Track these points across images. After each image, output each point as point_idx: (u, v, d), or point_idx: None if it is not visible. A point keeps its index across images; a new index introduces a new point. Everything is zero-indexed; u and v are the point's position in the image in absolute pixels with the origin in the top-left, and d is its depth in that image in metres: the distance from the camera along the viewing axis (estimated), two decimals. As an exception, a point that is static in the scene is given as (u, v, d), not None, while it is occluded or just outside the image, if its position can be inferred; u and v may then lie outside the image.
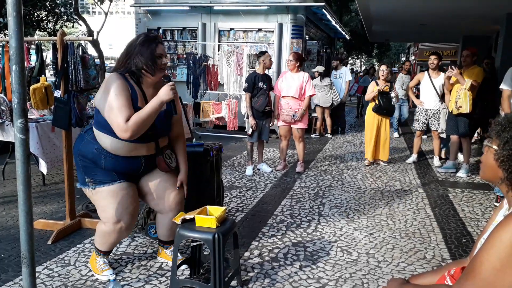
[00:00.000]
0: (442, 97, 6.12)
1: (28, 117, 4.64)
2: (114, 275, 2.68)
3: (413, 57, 28.83)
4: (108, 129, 2.42)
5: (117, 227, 2.53)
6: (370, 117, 6.10)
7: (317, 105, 8.68)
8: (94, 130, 2.51)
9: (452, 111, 5.63)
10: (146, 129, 2.39)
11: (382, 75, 6.00)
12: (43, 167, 4.31)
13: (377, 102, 5.97)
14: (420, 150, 6.94)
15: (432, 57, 6.07)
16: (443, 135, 6.10)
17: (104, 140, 2.46)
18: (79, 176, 2.62)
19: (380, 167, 6.14)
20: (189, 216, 2.48)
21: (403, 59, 39.59)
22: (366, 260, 3.07)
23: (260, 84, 5.27)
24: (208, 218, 2.42)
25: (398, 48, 45.55)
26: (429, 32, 12.99)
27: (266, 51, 5.48)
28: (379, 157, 6.24)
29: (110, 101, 2.33)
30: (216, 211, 2.53)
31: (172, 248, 2.86)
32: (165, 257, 2.95)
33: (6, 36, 6.36)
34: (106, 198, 2.49)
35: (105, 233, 2.60)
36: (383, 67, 6.08)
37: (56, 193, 4.46)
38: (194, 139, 3.53)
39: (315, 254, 3.15)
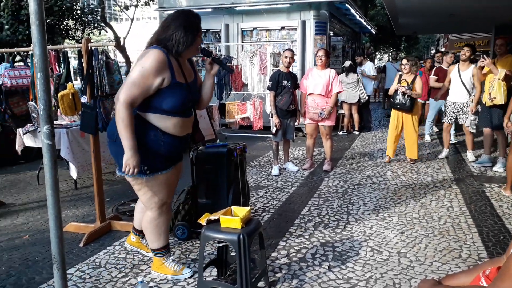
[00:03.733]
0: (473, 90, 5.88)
1: (59, 123, 4.79)
2: (193, 272, 2.77)
3: (443, 49, 27.98)
4: (159, 108, 2.44)
5: (163, 209, 2.68)
6: (392, 113, 5.96)
7: (343, 102, 8.53)
8: (144, 115, 2.48)
9: (485, 102, 5.41)
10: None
11: (405, 69, 5.80)
12: (73, 172, 4.44)
13: (392, 98, 5.83)
14: (453, 144, 6.72)
15: (465, 48, 5.86)
16: (473, 130, 5.84)
17: (160, 122, 2.46)
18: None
19: (411, 163, 5.95)
20: (214, 217, 2.47)
21: (433, 51, 38.37)
22: (397, 260, 2.98)
23: (284, 82, 5.20)
24: (233, 218, 2.40)
25: (427, 41, 44.26)
26: (458, 23, 12.53)
27: (287, 49, 5.39)
28: (407, 154, 6.04)
29: (134, 73, 2.35)
30: (240, 211, 2.51)
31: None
32: (142, 247, 3.07)
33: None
34: (161, 184, 2.59)
35: (154, 220, 2.67)
36: (404, 60, 5.87)
37: (87, 197, 4.57)
38: (218, 140, 3.52)
39: (344, 254, 3.08)
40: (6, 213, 4.06)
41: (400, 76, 5.89)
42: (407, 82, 5.70)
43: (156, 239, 2.74)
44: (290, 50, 5.29)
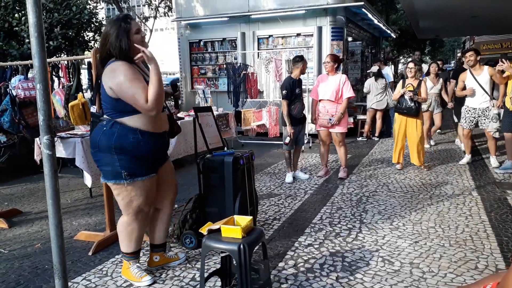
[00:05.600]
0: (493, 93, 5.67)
1: (75, 132, 4.86)
2: (153, 280, 2.78)
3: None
4: (132, 110, 2.53)
5: (138, 216, 2.71)
6: (397, 118, 5.79)
7: (371, 108, 8.38)
8: (119, 120, 2.57)
9: (509, 107, 5.21)
10: (163, 99, 2.55)
11: (410, 73, 5.64)
12: (88, 181, 4.49)
13: (397, 102, 5.65)
14: (474, 150, 6.48)
15: (468, 54, 5.71)
16: (496, 135, 5.61)
17: (136, 121, 2.56)
18: (107, 170, 2.62)
19: (431, 169, 5.76)
20: (215, 226, 2.44)
21: (459, 54, 37.39)
22: (409, 271, 2.86)
23: (297, 90, 5.14)
24: (234, 228, 2.36)
25: (452, 44, 43.26)
26: (483, 24, 12.19)
27: (302, 56, 5.33)
28: (411, 161, 5.82)
29: (128, 87, 2.45)
30: (243, 220, 2.47)
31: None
32: (169, 260, 3.05)
33: (56, 57, 6.75)
34: (138, 190, 2.64)
35: (127, 225, 2.72)
36: (411, 64, 5.71)
37: (101, 205, 4.61)
38: (225, 148, 3.51)
39: (353, 265, 2.98)
40: (22, 221, 4.16)
41: (404, 81, 5.74)
42: (413, 87, 5.55)
43: (127, 244, 2.78)
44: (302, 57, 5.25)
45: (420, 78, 5.70)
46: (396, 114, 5.81)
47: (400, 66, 31.79)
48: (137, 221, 2.72)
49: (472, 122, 5.78)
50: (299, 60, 5.17)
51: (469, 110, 5.79)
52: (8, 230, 3.93)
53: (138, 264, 2.84)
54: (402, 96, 5.57)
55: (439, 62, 8.82)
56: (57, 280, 2.11)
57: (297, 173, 5.51)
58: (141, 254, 2.94)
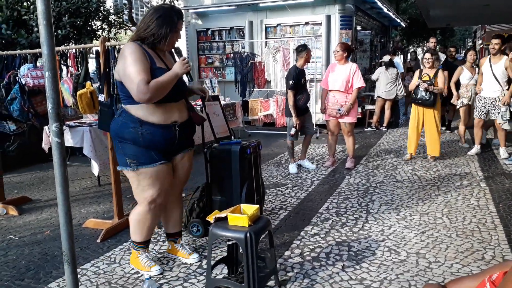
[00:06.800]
0: (509, 83, 5.57)
1: (83, 121, 4.89)
2: (161, 270, 2.80)
3: (480, 41, 26.79)
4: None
5: (151, 206, 2.67)
6: (413, 108, 5.73)
7: (378, 97, 8.31)
8: (125, 107, 2.57)
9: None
10: (163, 96, 2.46)
11: (428, 63, 5.56)
12: (95, 169, 4.54)
13: (412, 93, 5.57)
14: (483, 141, 6.42)
15: (494, 41, 5.57)
16: (506, 126, 5.54)
17: (138, 111, 2.52)
18: (119, 158, 2.66)
19: (431, 160, 5.72)
20: (222, 214, 2.45)
21: (470, 44, 36.67)
22: (415, 261, 2.86)
23: (302, 80, 5.11)
24: (240, 216, 2.37)
25: (463, 33, 42.58)
26: (495, 13, 11.95)
27: (305, 45, 5.28)
28: (428, 152, 5.77)
29: (128, 67, 2.41)
30: (249, 209, 2.48)
31: (182, 242, 3.04)
32: (179, 254, 3.00)
33: (65, 45, 6.75)
34: (149, 179, 2.60)
35: (141, 215, 2.70)
36: (427, 55, 5.61)
37: (109, 193, 4.66)
38: (232, 137, 3.51)
39: (359, 254, 2.99)
40: (31, 208, 4.22)
41: (421, 70, 5.66)
42: (429, 77, 5.47)
43: (137, 233, 2.77)
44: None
45: (438, 67, 5.63)
46: (412, 104, 5.73)
47: (409, 56, 31.38)
48: (150, 212, 2.68)
49: (483, 111, 5.72)
50: (303, 49, 5.11)
51: (481, 100, 5.73)
52: (18, 217, 3.99)
53: (146, 254, 2.85)
54: (418, 86, 5.47)
55: (452, 49, 8.55)
56: (66, 266, 2.15)
57: (304, 161, 5.50)
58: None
